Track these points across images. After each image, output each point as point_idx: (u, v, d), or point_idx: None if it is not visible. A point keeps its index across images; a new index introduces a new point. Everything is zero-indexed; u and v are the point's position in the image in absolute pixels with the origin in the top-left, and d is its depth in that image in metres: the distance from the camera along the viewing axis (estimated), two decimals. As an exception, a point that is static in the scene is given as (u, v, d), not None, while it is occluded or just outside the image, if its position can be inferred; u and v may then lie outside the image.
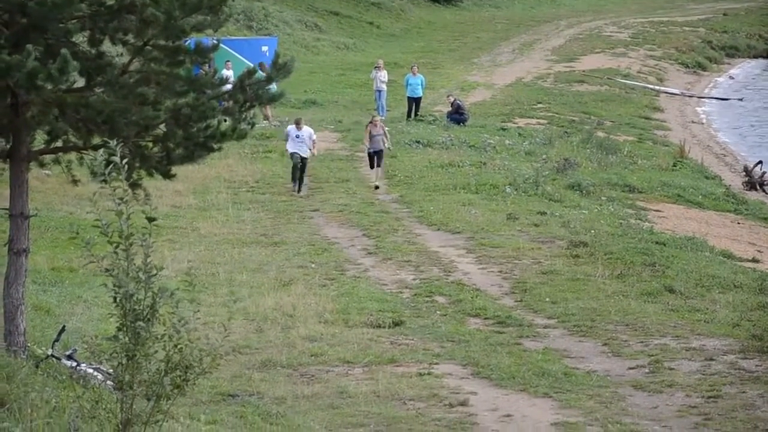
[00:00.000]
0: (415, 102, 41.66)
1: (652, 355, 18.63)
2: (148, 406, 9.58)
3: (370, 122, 31.79)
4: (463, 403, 16.37)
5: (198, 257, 23.96)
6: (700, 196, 35.76)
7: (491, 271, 23.99)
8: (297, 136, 30.52)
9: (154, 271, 9.56)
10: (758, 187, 40.68)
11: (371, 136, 31.25)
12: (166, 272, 10.70)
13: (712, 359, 18.44)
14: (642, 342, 19.40)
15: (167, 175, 15.26)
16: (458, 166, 34.13)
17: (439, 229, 27.70)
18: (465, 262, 24.61)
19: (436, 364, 18.12)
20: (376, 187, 30.88)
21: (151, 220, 9.84)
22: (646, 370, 17.97)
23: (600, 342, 19.46)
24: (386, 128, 32.39)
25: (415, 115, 41.48)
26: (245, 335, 19.12)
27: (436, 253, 25.46)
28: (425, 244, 26.23)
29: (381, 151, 31.36)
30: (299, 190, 30.20)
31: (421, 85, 41.55)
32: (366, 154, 31.91)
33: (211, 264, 23.59)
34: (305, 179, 30.52)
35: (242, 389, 16.47)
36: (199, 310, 10.70)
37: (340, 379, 17.27)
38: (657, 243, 26.96)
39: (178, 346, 9.58)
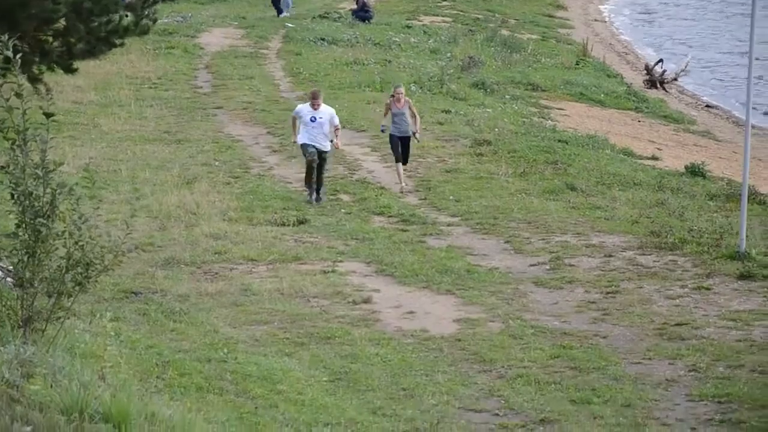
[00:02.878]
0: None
1: (553, 252, 18.88)
2: (50, 304, 9.52)
3: (391, 95, 22.95)
4: (367, 300, 16.49)
5: (100, 154, 23.69)
6: (602, 95, 36.07)
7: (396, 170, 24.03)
8: (312, 120, 21.30)
9: (52, 167, 9.43)
10: (658, 85, 41.10)
11: (393, 115, 22.60)
12: (67, 169, 10.59)
13: (611, 255, 18.74)
14: (543, 239, 19.64)
15: (68, 70, 15.03)
16: (363, 64, 34.00)
17: (344, 127, 27.62)
18: (370, 161, 24.63)
19: (340, 261, 18.20)
20: (402, 191, 22.25)
21: (48, 115, 9.68)
22: (547, 267, 18.22)
23: (502, 239, 19.66)
24: (413, 106, 23.17)
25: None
26: (148, 233, 19.01)
27: (340, 151, 25.42)
28: (330, 142, 26.16)
29: (408, 137, 22.65)
30: (318, 198, 21.36)
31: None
32: (388, 141, 22.92)
33: (113, 161, 23.35)
34: (323, 182, 21.72)
35: (145, 287, 16.42)
36: (99, 207, 10.61)
37: (244, 277, 17.29)
38: (559, 141, 27.19)
39: (80, 243, 9.50)
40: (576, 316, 16.07)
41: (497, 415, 12.56)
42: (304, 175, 21.64)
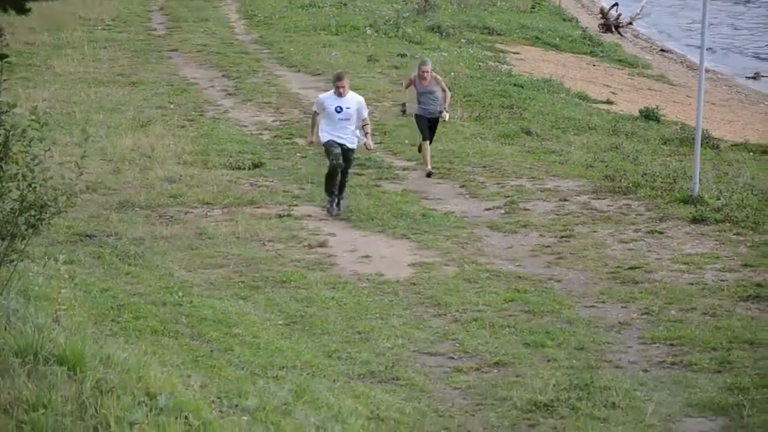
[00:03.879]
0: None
1: (508, 197, 18.95)
2: (3, 246, 9.47)
3: (417, 73, 20.19)
4: (322, 244, 16.50)
5: (53, 96, 23.50)
6: (558, 39, 36.11)
7: (351, 113, 24.00)
8: (338, 110, 17.50)
9: (5, 109, 9.35)
10: (614, 29, 41.18)
11: (418, 94, 20.08)
12: (20, 111, 10.47)
13: (565, 200, 18.82)
14: (498, 183, 19.70)
15: (21, 11, 14.82)
16: (319, 6, 33.86)
17: (299, 71, 27.57)
18: (325, 104, 24.56)
19: (296, 205, 18.18)
20: (429, 174, 19.96)
21: (1, 57, 9.58)
22: (502, 211, 18.28)
23: (458, 184, 19.70)
24: (443, 81, 20.78)
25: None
26: (102, 175, 18.91)
27: (296, 94, 25.36)
28: (285, 86, 26.10)
29: (436, 118, 20.16)
30: (339, 206, 17.79)
31: None
32: (414, 119, 20.54)
33: (66, 103, 23.18)
34: (342, 203, 17.92)
35: (100, 230, 16.34)
36: (50, 149, 10.54)
37: (199, 221, 17.24)
38: (515, 85, 27.24)
39: (33, 186, 9.44)
40: (530, 260, 16.15)
41: (452, 358, 12.63)
42: (324, 180, 17.85)
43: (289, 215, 17.67)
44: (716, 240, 16.69)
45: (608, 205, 18.46)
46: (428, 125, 20.11)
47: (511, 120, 23.71)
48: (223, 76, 26.47)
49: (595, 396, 11.36)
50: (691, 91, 30.78)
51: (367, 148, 18.11)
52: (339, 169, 17.47)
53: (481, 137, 22.36)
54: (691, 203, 18.07)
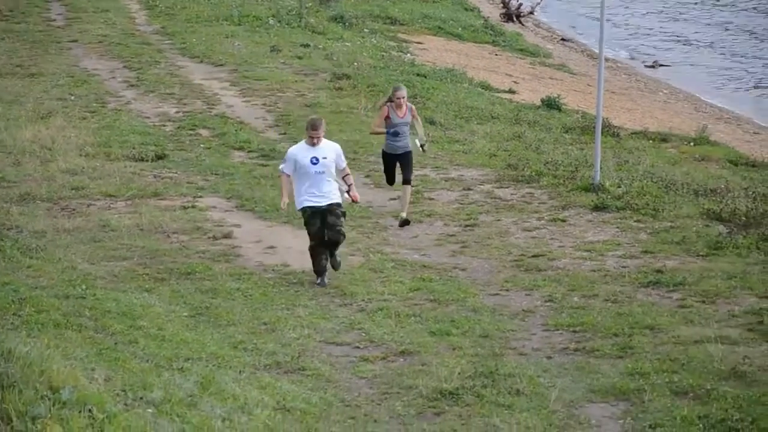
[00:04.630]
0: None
1: (413, 187, 19.00)
2: None
3: (389, 100, 17.28)
4: (228, 236, 16.44)
5: (-50, 89, 23.13)
6: (460, 28, 36.30)
7: (255, 104, 23.95)
8: (314, 161, 14.49)
9: None
10: (515, 19, 41.50)
11: (392, 126, 17.18)
12: None
13: (469, 189, 18.95)
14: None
15: None
16: (221, -4, 33.67)
17: (202, 62, 27.42)
18: (229, 95, 24.48)
19: (200, 197, 18.10)
20: (403, 223, 17.10)
21: None
22: (407, 201, 18.33)
23: (362, 174, 19.73)
24: (415, 110, 17.70)
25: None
26: (2, 168, 18.66)
27: (199, 85, 25.22)
28: (188, 77, 25.94)
29: (407, 153, 17.39)
30: (333, 261, 14.88)
31: None
32: (380, 158, 17.91)
33: (-36, 96, 22.83)
34: (338, 257, 14.95)
35: (0, 223, 16.13)
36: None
37: (102, 213, 17.09)
38: (418, 75, 27.35)
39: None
40: (435, 249, 16.24)
41: (358, 347, 12.67)
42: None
43: (193, 207, 17.58)
44: (617, 227, 16.91)
45: (511, 194, 18.62)
46: (398, 162, 17.33)
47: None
48: (125, 67, 26.23)
49: (500, 383, 11.46)
50: (591, 80, 31.14)
51: (353, 201, 15.10)
52: (324, 236, 14.48)
53: (385, 127, 22.39)
54: (593, 191, 18.29)
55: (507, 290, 14.55)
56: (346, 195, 14.84)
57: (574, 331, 13.08)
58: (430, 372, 11.77)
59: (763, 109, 32.79)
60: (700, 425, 10.44)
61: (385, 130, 17.24)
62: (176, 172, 19.33)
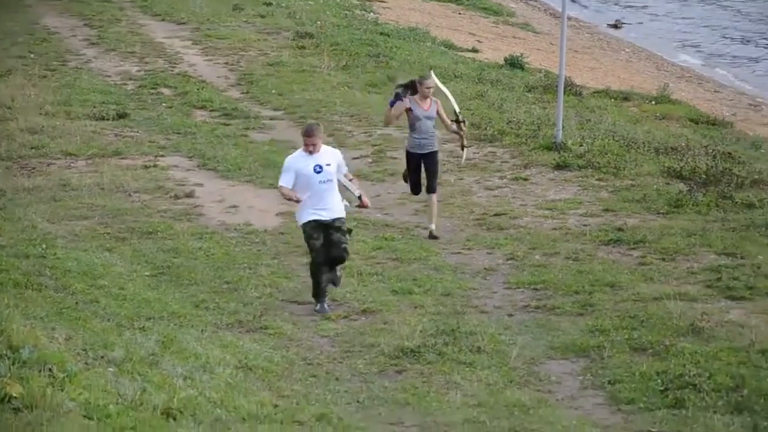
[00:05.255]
0: None
1: (376, 145, 19.01)
2: None
3: (407, 89, 15.36)
4: (189, 195, 16.40)
5: None
6: (424, -13, 36.16)
7: (217, 63, 23.84)
8: (317, 170, 12.76)
9: None
10: (480, -21, 41.34)
11: (414, 121, 15.23)
12: None
13: (432, 148, 18.91)
14: (366, 132, 19.75)
15: None
16: (183, -47, 33.40)
17: (163, 20, 27.25)
18: (191, 54, 24.35)
19: (162, 156, 18.03)
20: (432, 237, 15.04)
21: None
22: (370, 160, 18.35)
23: (326, 133, 19.67)
24: (440, 105, 15.46)
25: None
26: (-38, 128, 18.53)
27: (161, 44, 25.08)
28: (150, 35, 25.78)
29: (434, 153, 15.35)
30: (333, 277, 12.98)
31: None
32: (404, 159, 15.68)
33: None
34: (338, 271, 13.08)
35: (-40, 183, 16.04)
36: None
37: (62, 172, 17.00)
38: (381, 34, 27.27)
39: None
40: (398, 208, 16.26)
41: (320, 306, 12.69)
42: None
43: (155, 166, 17.51)
44: (579, 186, 16.98)
45: (474, 153, 18.63)
46: (421, 163, 15.29)
47: (377, 69, 23.74)
48: (86, 25, 26.04)
49: (461, 341, 11.52)
50: (554, 39, 31.14)
51: (364, 206, 13.38)
52: (326, 254, 12.78)
53: (348, 86, 22.37)
54: (555, 150, 18.34)
55: (469, 249, 14.60)
56: (351, 204, 13.18)
57: (535, 289, 13.15)
58: (392, 330, 11.82)
59: (721, 66, 32.89)
60: (659, 380, 10.54)
61: (392, 121, 15.57)
62: (138, 131, 19.24)
